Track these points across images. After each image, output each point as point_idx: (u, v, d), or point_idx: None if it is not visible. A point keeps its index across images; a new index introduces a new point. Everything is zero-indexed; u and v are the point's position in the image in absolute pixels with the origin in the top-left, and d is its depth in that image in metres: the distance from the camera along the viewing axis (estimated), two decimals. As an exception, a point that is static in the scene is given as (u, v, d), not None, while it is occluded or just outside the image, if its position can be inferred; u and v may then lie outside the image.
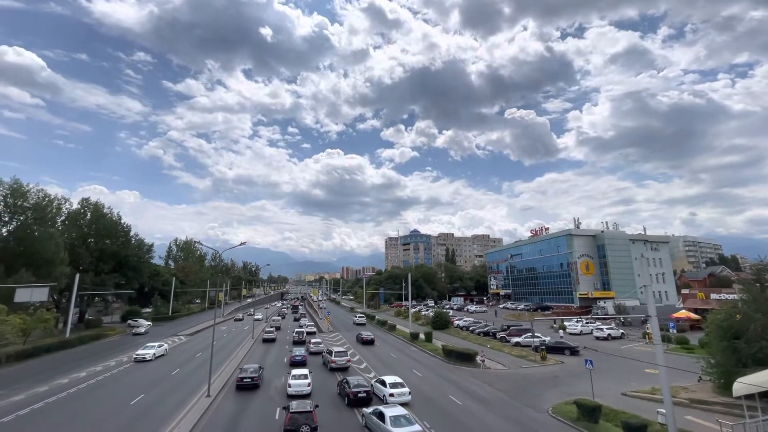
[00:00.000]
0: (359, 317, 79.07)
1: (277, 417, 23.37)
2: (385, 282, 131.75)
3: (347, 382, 26.92)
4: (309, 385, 28.02)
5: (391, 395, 25.43)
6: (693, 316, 57.30)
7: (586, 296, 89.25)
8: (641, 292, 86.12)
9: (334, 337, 57.96)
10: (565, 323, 62.31)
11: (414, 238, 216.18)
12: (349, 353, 39.09)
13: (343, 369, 35.56)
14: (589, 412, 21.78)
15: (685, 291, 79.83)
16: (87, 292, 63.01)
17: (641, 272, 21.91)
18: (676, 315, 57.35)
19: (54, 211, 61.04)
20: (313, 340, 47.11)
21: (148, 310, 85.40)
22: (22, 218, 54.59)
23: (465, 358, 39.14)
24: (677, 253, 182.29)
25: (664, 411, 20.08)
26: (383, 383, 27.01)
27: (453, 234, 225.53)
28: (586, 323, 60.42)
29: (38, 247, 52.30)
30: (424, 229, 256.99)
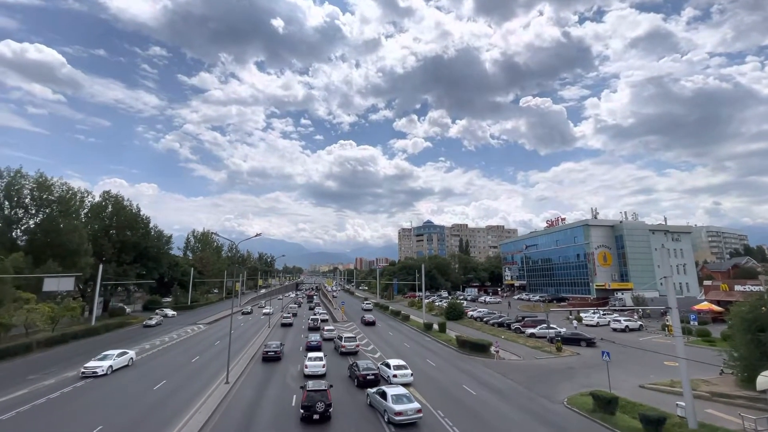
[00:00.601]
0: (366, 304, 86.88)
1: (293, 403, 23.91)
2: (399, 273, 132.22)
3: (357, 366, 28.90)
4: (324, 366, 30.50)
5: (395, 376, 27.61)
6: (715, 308, 55.77)
7: (603, 287, 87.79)
8: (661, 284, 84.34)
9: (349, 326, 58.69)
10: (582, 315, 61.52)
11: (427, 229, 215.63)
12: (358, 338, 42.02)
13: (353, 353, 38.10)
14: (606, 403, 21.55)
15: (707, 282, 77.76)
16: (110, 282, 65.37)
17: (662, 263, 21.38)
18: (697, 307, 55.93)
19: (77, 203, 63.13)
20: (326, 327, 50.42)
21: (168, 299, 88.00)
22: (47, 211, 56.61)
23: (479, 348, 39.14)
24: (700, 243, 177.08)
25: (683, 404, 19.74)
26: (388, 366, 29.05)
27: (467, 225, 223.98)
28: (603, 315, 59.53)
29: (64, 238, 54.23)
30: (437, 220, 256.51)
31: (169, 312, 72.54)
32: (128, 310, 74.69)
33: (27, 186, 55.32)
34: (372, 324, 60.82)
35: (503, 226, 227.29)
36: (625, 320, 53.21)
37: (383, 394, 21.94)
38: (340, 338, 40.31)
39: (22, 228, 56.32)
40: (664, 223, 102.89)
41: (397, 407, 20.47)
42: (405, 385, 25.97)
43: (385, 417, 21.18)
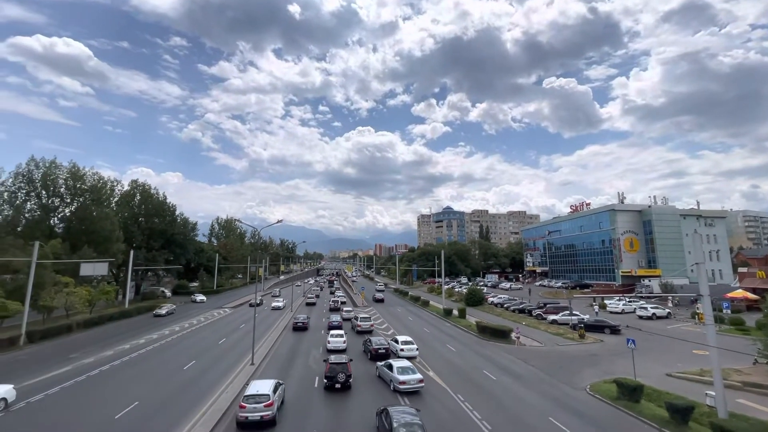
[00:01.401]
0: (378, 286, 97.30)
1: (316, 384, 24.62)
2: (418, 259, 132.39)
3: (370, 341, 32.38)
4: (344, 342, 33.66)
5: (402, 350, 30.91)
6: (750, 296, 53.39)
7: (629, 274, 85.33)
8: (692, 270, 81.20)
9: (369, 311, 59.54)
10: (606, 301, 60.17)
11: (447, 215, 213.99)
12: (373, 318, 47.55)
13: (368, 332, 41.35)
14: (630, 391, 21.14)
15: (742, 269, 74.11)
16: (140, 267, 68.31)
17: (694, 249, 20.53)
18: (731, 294, 53.68)
19: (108, 192, 65.85)
20: (345, 309, 56.92)
21: (195, 284, 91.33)
22: (81, 199, 59.26)
23: (499, 334, 39.00)
24: (735, 229, 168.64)
25: (713, 393, 19.15)
26: (396, 341, 32.57)
27: (487, 210, 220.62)
28: (629, 302, 58.00)
29: (97, 225, 56.82)
30: (457, 206, 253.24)
31: (198, 297, 73.28)
32: (168, 293, 76.40)
33: (61, 176, 57.96)
34: (381, 301, 74.10)
35: (525, 212, 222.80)
36: (652, 307, 51.70)
37: (390, 367, 24.48)
38: (356, 318, 44.49)
39: (59, 216, 59.28)
40: (696, 207, 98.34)
41: (402, 377, 23.19)
42: (410, 358, 29.44)
43: (392, 386, 23.58)
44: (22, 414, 19.69)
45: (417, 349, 31.72)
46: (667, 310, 51.64)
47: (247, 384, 22.41)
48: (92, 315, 48.43)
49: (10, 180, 53.45)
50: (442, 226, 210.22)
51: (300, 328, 43.67)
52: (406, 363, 25.05)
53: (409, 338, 33.41)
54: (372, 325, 43.42)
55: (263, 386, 19.36)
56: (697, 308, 48.39)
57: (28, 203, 55.85)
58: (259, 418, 17.84)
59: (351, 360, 25.94)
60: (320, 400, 22.22)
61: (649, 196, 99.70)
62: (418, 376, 23.68)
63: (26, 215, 55.47)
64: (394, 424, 15.59)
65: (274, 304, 64.20)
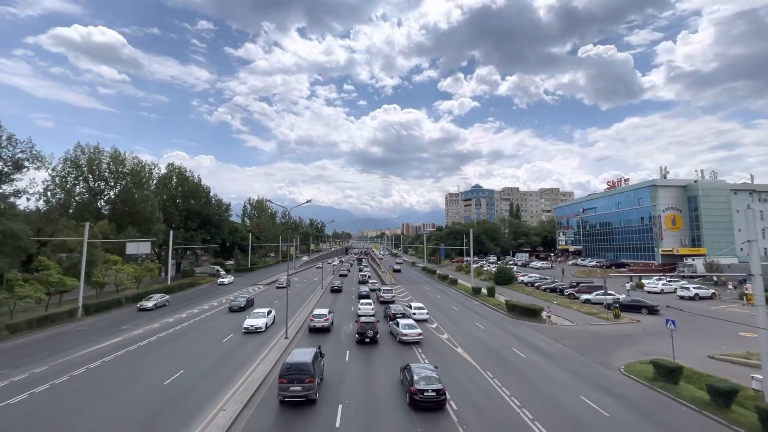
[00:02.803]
0: (397, 259, 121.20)
1: (347, 359, 25.45)
2: (446, 238, 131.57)
3: (389, 307, 38.93)
4: (372, 309, 38.53)
5: (414, 313, 36.95)
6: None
7: (670, 253, 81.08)
8: (742, 249, 76.35)
9: (397, 289, 60.24)
10: (644, 281, 57.74)
11: (475, 193, 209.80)
12: (402, 296, 53.63)
13: (390, 301, 46.25)
14: (668, 372, 20.41)
15: (799, 248, 68.67)
16: (180, 247, 72.06)
17: (746, 226, 19.11)
18: (784, 274, 50.00)
19: (147, 175, 69.15)
20: (371, 281, 66.05)
21: (230, 262, 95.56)
22: (123, 183, 62.64)
23: (529, 313, 38.49)
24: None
25: (760, 377, 18.19)
26: (410, 306, 39.36)
27: (518, 188, 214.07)
28: (669, 281, 55.36)
29: (138, 207, 60.14)
30: (486, 184, 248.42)
31: (227, 278, 69.91)
32: (222, 272, 78.78)
33: (104, 161, 61.26)
34: (398, 271, 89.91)
35: (558, 189, 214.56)
36: (695, 287, 49.13)
37: (397, 324, 30.81)
38: (380, 290, 51.39)
39: (104, 198, 63.07)
40: (750, 181, 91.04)
41: (404, 331, 29.29)
42: (422, 320, 36.03)
43: (398, 338, 29.76)
44: (84, 379, 21.66)
45: (427, 312, 38.51)
46: (712, 291, 48.94)
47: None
48: (138, 290, 51.97)
49: (60, 165, 57.08)
50: (470, 205, 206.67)
51: (336, 290, 58.09)
52: (410, 321, 31.37)
53: (420, 304, 40.21)
54: (393, 296, 48.58)
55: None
56: (746, 288, 45.57)
57: (77, 187, 59.64)
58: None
59: (378, 321, 32.00)
60: (355, 352, 27.38)
61: (695, 170, 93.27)
62: (418, 330, 29.55)
63: (76, 198, 59.39)
64: (415, 377, 18.20)
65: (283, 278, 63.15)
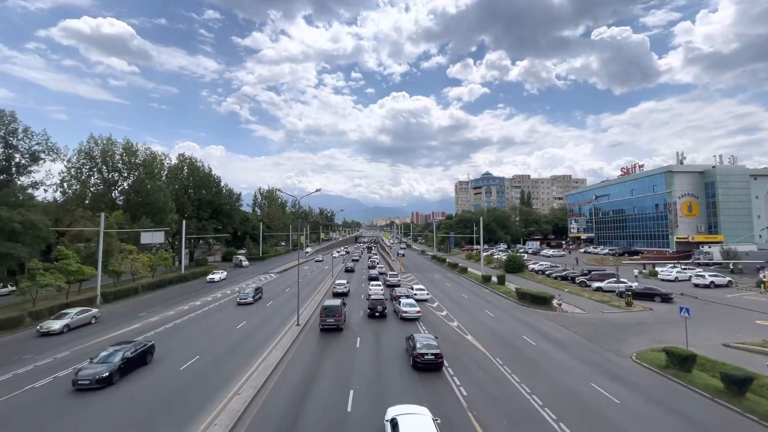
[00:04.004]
0: (402, 245, 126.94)
1: (358, 345, 25.78)
2: (456, 226, 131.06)
3: (394, 290, 42.27)
4: (382, 290, 42.82)
5: (416, 294, 41.08)
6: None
7: (685, 240, 79.59)
8: (760, 236, 74.40)
9: (407, 277, 60.51)
10: (657, 269, 56.91)
11: (485, 181, 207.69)
12: (403, 277, 58.30)
13: (396, 285, 48.99)
14: (681, 360, 20.23)
15: (821, 234, 66.71)
16: (192, 236, 73.25)
17: (766, 212, 18.53)
18: (805, 262, 48.70)
19: (159, 166, 69.97)
20: (378, 265, 71.48)
21: (242, 251, 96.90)
22: (136, 173, 63.53)
23: (540, 301, 38.36)
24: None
25: (777, 365, 17.89)
26: (412, 288, 44.45)
27: (529, 176, 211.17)
28: (684, 269, 54.45)
29: (151, 197, 61.10)
30: (496, 172, 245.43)
31: (244, 262, 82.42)
32: (245, 262, 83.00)
33: (117, 152, 62.08)
34: (402, 255, 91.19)
35: (570, 176, 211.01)
36: (710, 275, 48.27)
37: (399, 302, 34.58)
38: (387, 274, 56.25)
39: (118, 189, 64.16)
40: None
41: (404, 308, 33.10)
42: (423, 300, 40.29)
43: (399, 315, 33.49)
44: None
45: (428, 293, 43.39)
46: (728, 278, 48.01)
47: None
48: (154, 279, 53.18)
49: (75, 157, 58.07)
50: (480, 193, 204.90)
51: (350, 270, 69.88)
52: (411, 300, 34.95)
53: (422, 286, 46.07)
54: (399, 280, 52.66)
55: (334, 302, 30.72)
56: (763, 276, 44.59)
57: (92, 178, 60.72)
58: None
59: (387, 299, 36.71)
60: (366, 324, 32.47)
61: (714, 155, 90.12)
62: (417, 308, 33.22)
63: (91, 189, 60.53)
64: (417, 345, 21.45)
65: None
